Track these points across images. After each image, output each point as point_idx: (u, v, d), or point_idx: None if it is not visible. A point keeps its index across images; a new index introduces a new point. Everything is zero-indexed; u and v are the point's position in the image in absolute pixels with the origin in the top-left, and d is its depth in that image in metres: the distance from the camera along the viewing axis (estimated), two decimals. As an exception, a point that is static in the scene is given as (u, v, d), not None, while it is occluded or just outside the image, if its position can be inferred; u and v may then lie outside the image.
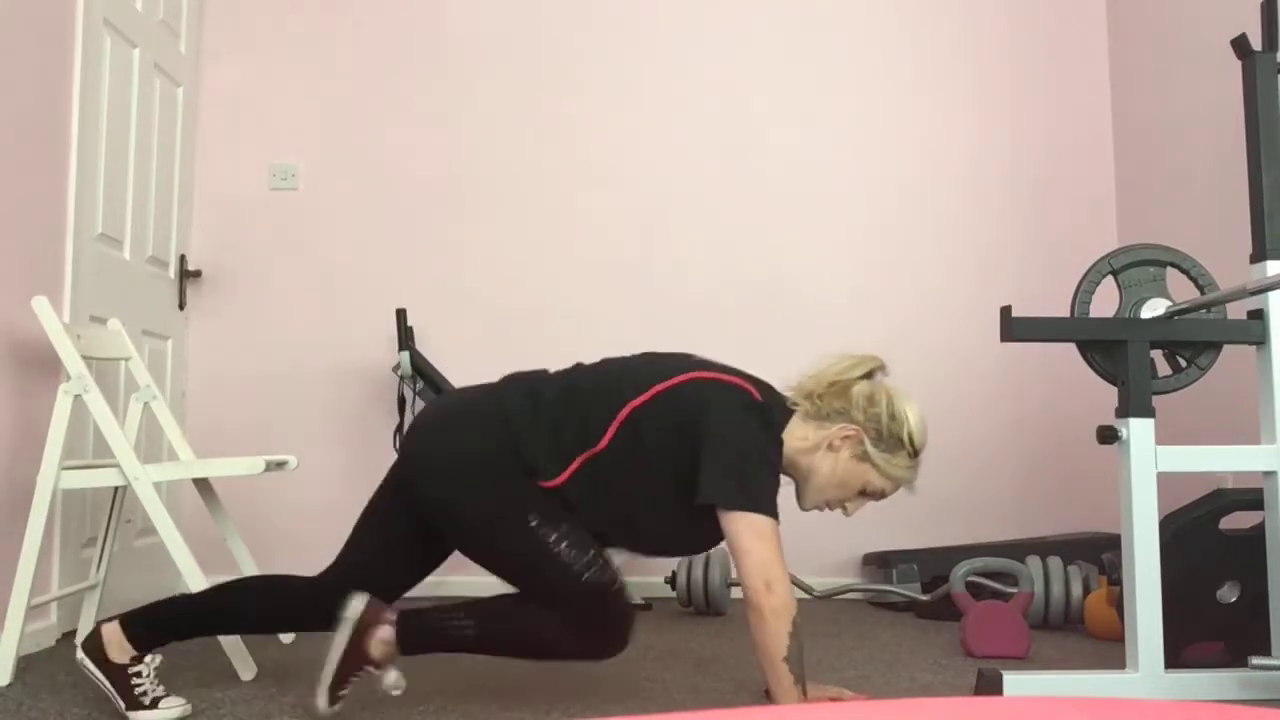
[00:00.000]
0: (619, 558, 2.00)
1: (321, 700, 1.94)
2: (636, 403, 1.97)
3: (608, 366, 2.10)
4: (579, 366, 2.13)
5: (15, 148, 2.65)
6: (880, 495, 2.06)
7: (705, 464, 1.93)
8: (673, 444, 1.96)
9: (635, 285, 3.86)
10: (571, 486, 1.96)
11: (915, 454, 2.02)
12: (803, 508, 2.12)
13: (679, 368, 2.04)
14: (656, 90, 3.98)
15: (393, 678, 1.97)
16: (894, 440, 2.00)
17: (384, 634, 1.94)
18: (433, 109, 3.94)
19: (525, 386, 2.05)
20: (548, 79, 3.96)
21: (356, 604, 1.94)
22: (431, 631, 1.98)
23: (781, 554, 1.92)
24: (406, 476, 2.05)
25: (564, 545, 1.91)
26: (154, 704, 1.97)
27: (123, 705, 1.97)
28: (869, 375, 2.06)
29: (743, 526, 1.90)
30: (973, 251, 3.97)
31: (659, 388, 1.99)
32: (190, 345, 3.79)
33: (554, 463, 1.96)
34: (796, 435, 2.03)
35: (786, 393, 2.09)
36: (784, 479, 2.06)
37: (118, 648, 1.99)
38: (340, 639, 1.93)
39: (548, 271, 3.87)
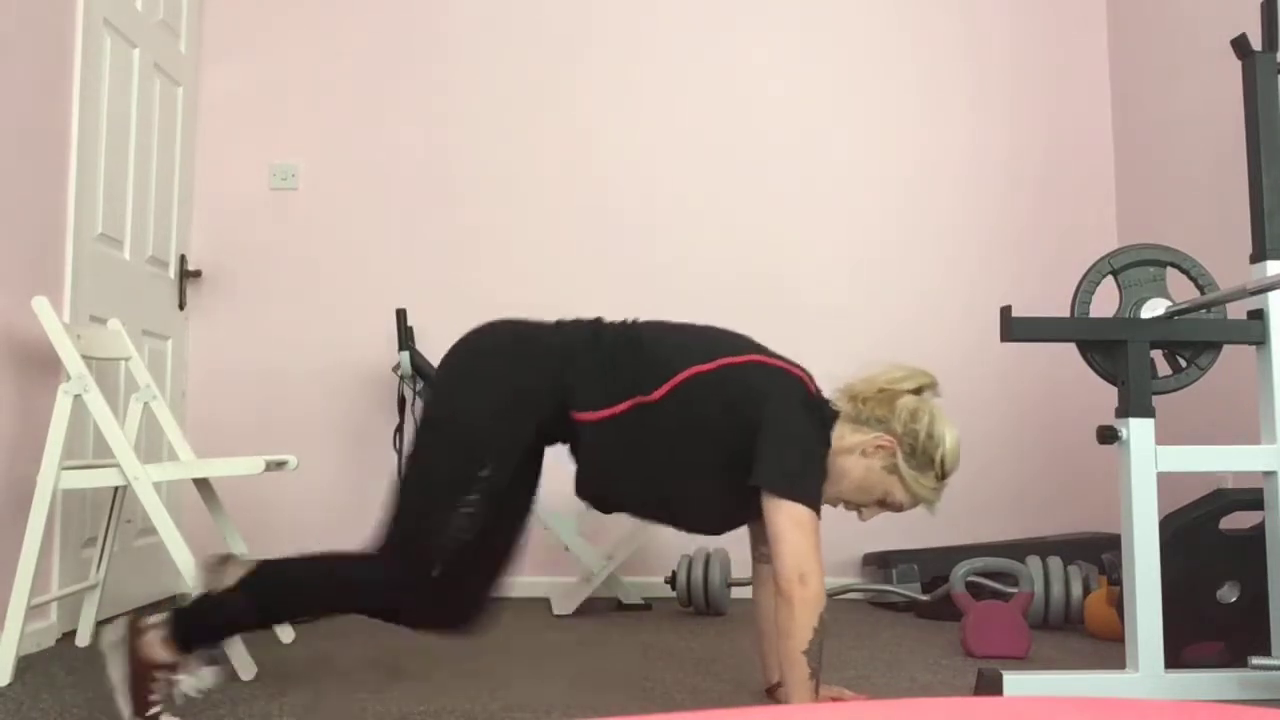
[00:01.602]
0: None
1: None
2: (701, 369, 1.97)
3: (671, 328, 2.09)
4: (638, 321, 2.10)
5: (15, 147, 2.65)
6: (899, 508, 2.06)
7: (763, 448, 1.93)
8: (723, 419, 1.96)
9: (635, 284, 3.86)
10: (613, 426, 1.94)
11: (943, 476, 2.02)
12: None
13: (747, 347, 2.05)
14: (657, 90, 3.98)
15: (192, 681, 1.89)
16: (926, 459, 2.00)
17: (152, 639, 1.87)
18: (433, 109, 3.94)
19: (585, 327, 2.05)
20: (548, 78, 3.96)
21: (112, 629, 1.89)
22: (201, 615, 1.92)
23: (819, 547, 1.92)
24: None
25: (467, 511, 1.88)
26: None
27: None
28: (919, 390, 2.06)
29: (785, 516, 1.90)
30: (972, 251, 3.97)
31: (727, 360, 1.99)
32: (190, 345, 3.79)
33: (602, 395, 1.95)
34: (834, 435, 2.04)
35: (834, 393, 2.10)
36: None
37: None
38: (115, 666, 1.87)
39: (548, 271, 3.87)
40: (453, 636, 2.07)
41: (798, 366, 2.07)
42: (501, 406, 1.95)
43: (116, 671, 1.89)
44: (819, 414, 2.02)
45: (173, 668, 1.89)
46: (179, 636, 1.89)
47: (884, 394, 2.03)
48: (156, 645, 1.88)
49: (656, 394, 1.95)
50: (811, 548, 1.90)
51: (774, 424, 1.95)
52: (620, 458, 1.97)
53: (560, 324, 2.07)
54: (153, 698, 1.88)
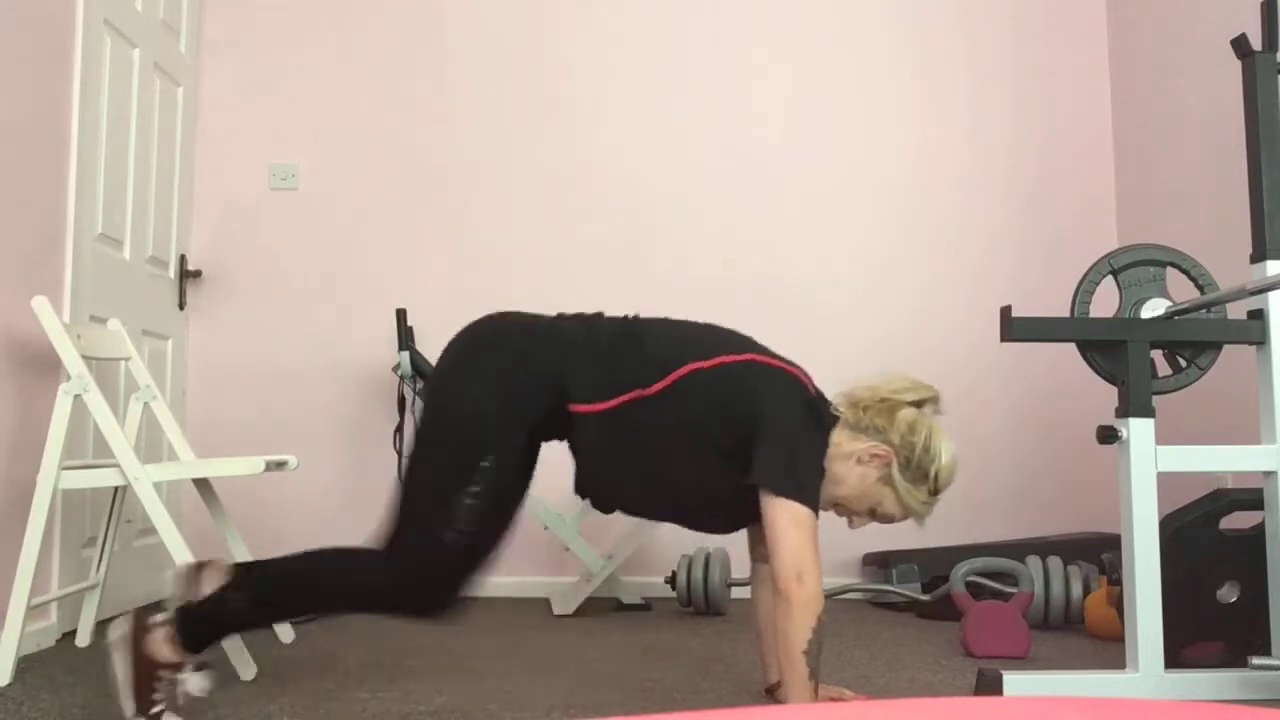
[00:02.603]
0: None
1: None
2: (700, 365, 1.97)
3: (671, 324, 2.09)
4: (638, 317, 2.10)
5: (15, 147, 2.65)
6: (889, 519, 2.07)
7: (760, 447, 1.93)
8: (721, 415, 1.96)
9: (636, 284, 3.85)
10: (611, 418, 1.94)
11: (936, 492, 2.02)
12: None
13: (746, 346, 2.05)
14: (657, 89, 3.98)
15: (196, 680, 1.89)
16: (920, 473, 2.00)
17: (158, 637, 1.87)
18: (433, 108, 3.94)
19: (584, 321, 2.05)
20: (548, 78, 3.96)
21: (117, 625, 1.89)
22: (209, 615, 1.91)
23: (817, 547, 1.91)
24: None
25: (470, 501, 1.87)
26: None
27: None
28: (920, 404, 2.05)
29: (783, 513, 1.90)
30: (972, 251, 3.97)
31: (726, 358, 1.99)
32: (190, 345, 3.79)
33: (601, 388, 1.94)
34: (831, 441, 2.04)
35: (836, 398, 2.10)
36: None
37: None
38: (117, 662, 1.87)
39: (548, 271, 3.87)
40: (428, 623, 2.02)
41: (796, 366, 2.07)
42: (501, 396, 1.94)
43: (120, 669, 1.88)
44: (818, 414, 2.02)
45: (177, 667, 1.88)
46: (184, 635, 1.88)
47: (885, 404, 2.03)
48: (161, 644, 1.87)
49: (655, 388, 1.95)
50: (810, 547, 1.90)
51: (772, 422, 1.95)
52: (619, 451, 1.97)
53: (560, 317, 2.07)
54: (156, 696, 1.87)
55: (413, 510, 1.92)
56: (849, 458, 2.02)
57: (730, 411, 1.96)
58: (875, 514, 2.06)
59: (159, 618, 1.89)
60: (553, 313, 2.11)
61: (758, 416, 1.95)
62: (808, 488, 1.94)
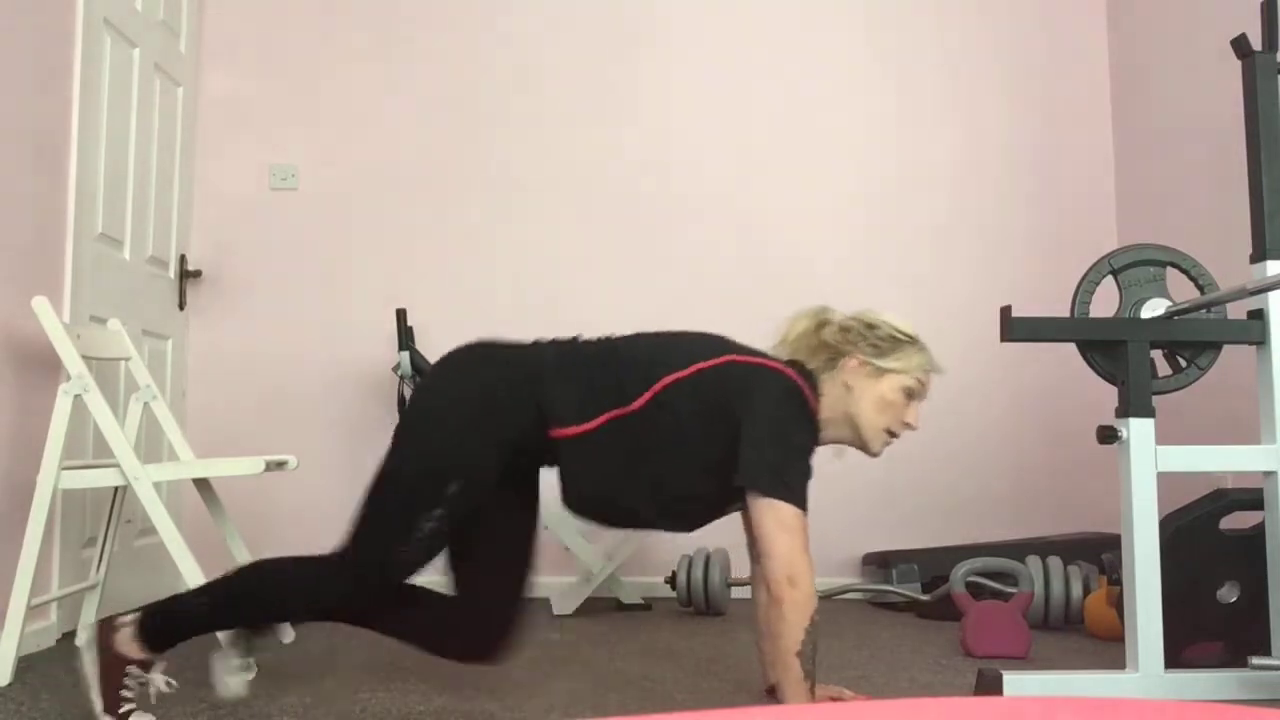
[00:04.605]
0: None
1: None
2: (677, 375, 1.97)
3: (646, 338, 2.10)
4: (612, 337, 2.12)
5: (15, 147, 2.65)
6: (922, 391, 2.09)
7: (745, 447, 1.93)
8: (705, 422, 1.96)
9: (635, 283, 3.86)
10: (594, 439, 1.95)
11: (914, 340, 2.09)
12: (874, 452, 2.11)
13: (722, 348, 2.05)
14: (656, 89, 3.98)
15: (162, 678, 1.92)
16: (890, 341, 2.06)
17: (124, 637, 1.89)
18: (433, 108, 3.94)
19: (560, 345, 2.06)
20: (549, 77, 3.96)
21: (88, 628, 1.92)
22: (170, 614, 1.93)
23: (807, 547, 1.91)
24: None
25: (430, 525, 1.88)
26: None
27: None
28: (821, 321, 2.11)
29: (771, 517, 1.90)
30: (972, 251, 3.97)
31: (702, 365, 1.99)
32: (190, 345, 3.79)
33: (580, 411, 1.95)
34: (829, 395, 2.06)
35: (785, 361, 2.11)
36: (836, 447, 2.12)
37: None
38: (88, 663, 1.89)
39: (548, 271, 3.87)
40: (482, 664, 2.04)
41: (778, 360, 2.07)
42: (472, 423, 1.94)
43: (89, 668, 1.90)
44: (802, 403, 2.01)
45: (144, 665, 1.90)
46: (147, 634, 1.91)
47: (804, 337, 2.10)
48: (127, 643, 1.90)
49: (634, 405, 1.95)
50: (800, 549, 1.90)
51: (754, 421, 1.95)
52: (603, 469, 1.97)
53: (536, 343, 2.08)
54: (124, 694, 1.89)
55: (372, 524, 1.93)
56: (844, 393, 2.06)
57: (713, 416, 1.96)
58: (909, 398, 2.07)
59: (126, 617, 1.92)
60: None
61: (740, 417, 1.95)
62: (796, 486, 1.93)
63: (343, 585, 1.93)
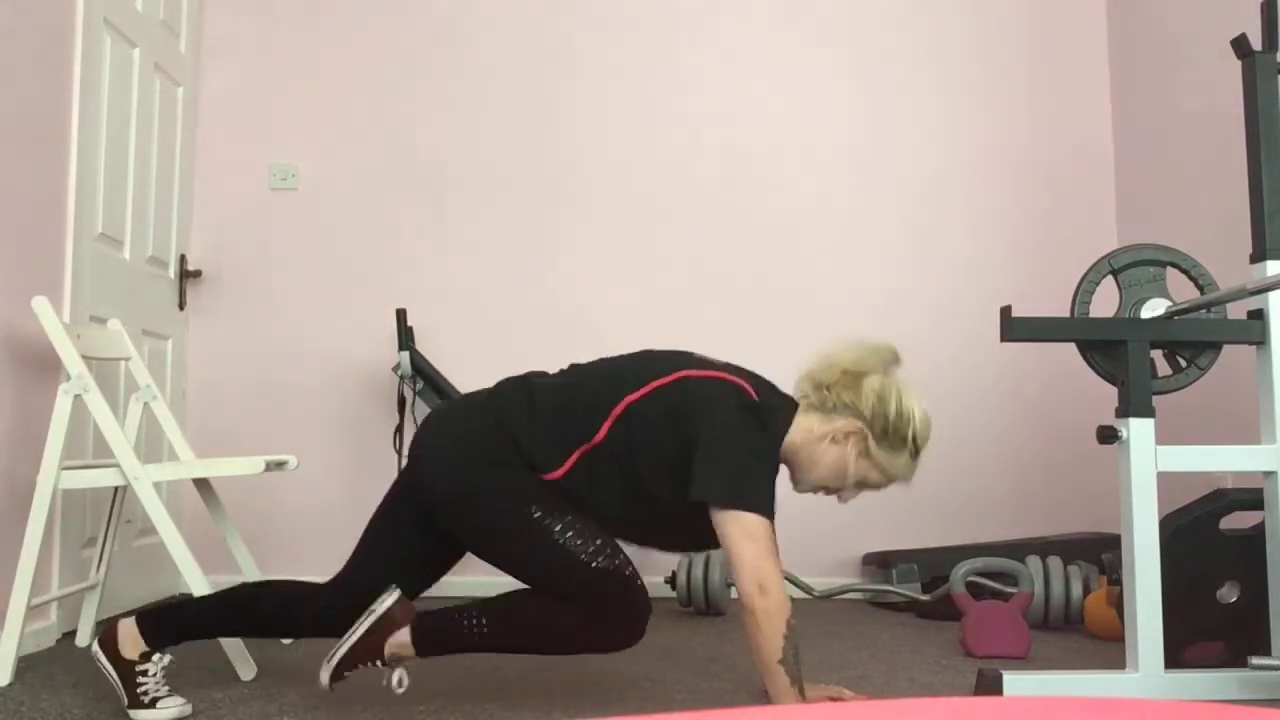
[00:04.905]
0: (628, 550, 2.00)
1: (325, 675, 1.98)
2: (633, 398, 1.97)
3: (605, 364, 2.11)
4: (575, 366, 2.13)
5: (15, 148, 2.65)
6: (877, 488, 2.07)
7: (698, 462, 1.92)
8: (667, 440, 1.96)
9: (636, 284, 3.86)
10: (570, 479, 1.96)
11: (917, 453, 2.02)
12: (798, 490, 2.11)
13: (677, 364, 2.03)
14: (659, 89, 3.98)
15: (397, 677, 1.98)
16: (899, 439, 1.99)
17: (402, 636, 1.96)
18: (433, 108, 3.94)
19: (523, 387, 2.05)
20: (549, 77, 3.96)
21: (388, 598, 1.96)
22: (447, 633, 1.97)
23: (775, 554, 1.91)
24: (414, 476, 2.07)
25: (569, 534, 1.91)
26: (153, 704, 1.98)
27: (125, 702, 1.99)
28: (881, 368, 2.04)
29: (734, 527, 1.89)
30: (972, 251, 3.97)
31: (657, 383, 1.99)
32: (190, 345, 3.79)
33: (553, 456, 1.96)
34: (801, 427, 2.02)
35: (798, 381, 2.09)
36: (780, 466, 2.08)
37: (130, 644, 2.01)
38: (361, 626, 1.95)
39: (548, 271, 3.87)
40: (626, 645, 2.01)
41: (739, 372, 2.05)
42: (493, 475, 1.98)
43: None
44: (758, 414, 1.98)
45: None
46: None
47: (848, 375, 2.02)
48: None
49: (600, 435, 1.96)
50: (766, 556, 1.88)
51: (708, 433, 1.93)
52: (592, 502, 1.98)
53: (497, 393, 2.07)
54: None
55: (554, 573, 1.93)
56: (823, 439, 2.00)
57: (673, 433, 1.95)
58: (862, 486, 2.06)
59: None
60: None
61: (696, 431, 1.93)
62: (754, 494, 1.91)
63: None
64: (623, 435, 1.96)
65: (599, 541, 1.92)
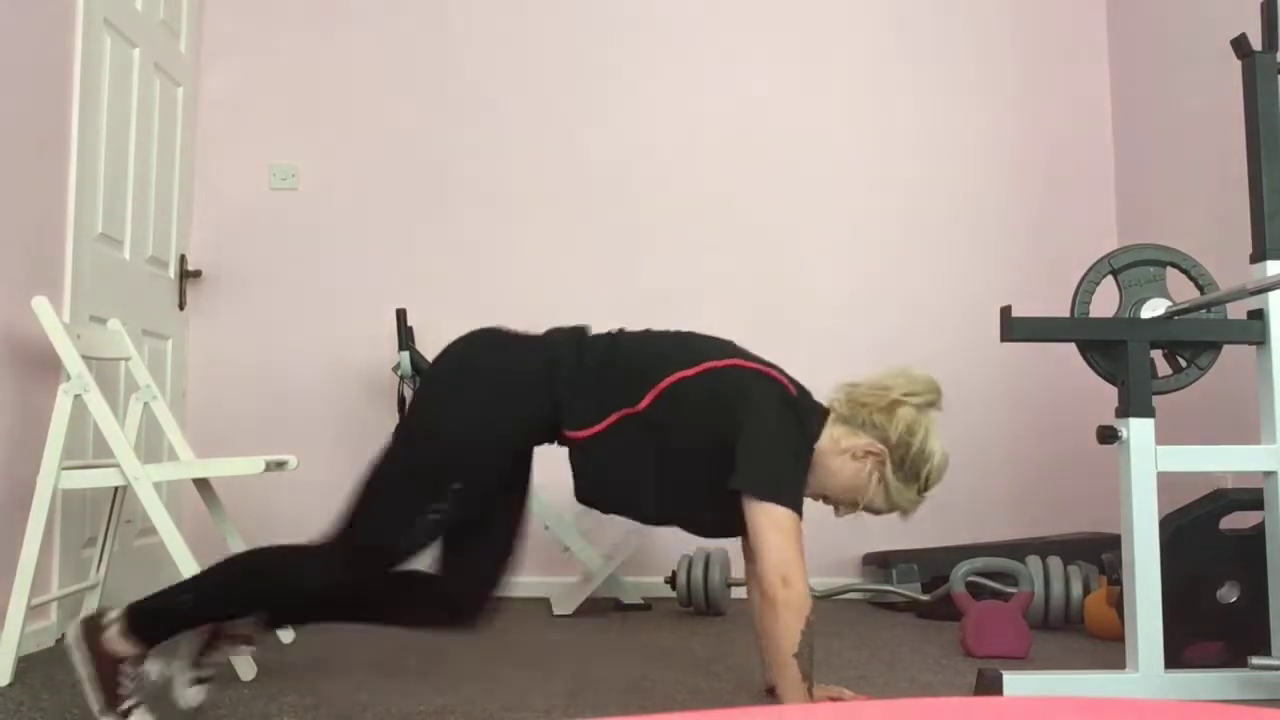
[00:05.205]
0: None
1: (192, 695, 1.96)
2: (683, 374, 1.97)
3: (653, 336, 2.10)
4: (622, 331, 2.11)
5: (15, 148, 2.65)
6: (876, 513, 2.09)
7: (741, 451, 1.93)
8: (706, 423, 1.96)
9: (636, 285, 3.86)
10: (601, 440, 1.95)
11: (924, 490, 2.04)
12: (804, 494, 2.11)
13: (728, 351, 2.05)
14: (660, 90, 3.98)
15: (156, 669, 1.94)
16: (913, 472, 2.01)
17: (114, 630, 1.90)
18: (433, 108, 3.94)
19: (574, 339, 2.05)
20: (550, 78, 3.96)
21: (70, 628, 1.92)
22: (157, 609, 1.93)
23: (802, 549, 1.91)
24: (432, 367, 2.06)
25: (434, 518, 1.89)
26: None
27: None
28: (922, 404, 2.04)
29: (765, 518, 1.90)
30: (972, 251, 3.97)
31: (709, 365, 1.99)
32: (190, 345, 3.79)
33: (591, 411, 1.95)
34: (829, 436, 2.04)
35: (834, 391, 2.09)
36: None
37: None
38: (79, 658, 1.89)
39: (548, 271, 3.87)
40: (452, 633, 2.08)
41: (775, 368, 2.07)
42: (484, 425, 1.94)
43: (83, 669, 1.90)
44: (798, 414, 2.01)
45: (136, 660, 1.91)
46: (137, 630, 1.91)
47: (886, 400, 2.03)
48: (117, 640, 1.90)
49: (642, 404, 1.96)
50: (794, 550, 1.89)
51: (752, 426, 1.94)
52: (615, 467, 1.98)
53: (546, 338, 2.05)
54: (122, 691, 1.89)
55: (372, 511, 1.93)
56: (844, 452, 2.02)
57: (716, 417, 1.96)
58: (862, 507, 2.06)
59: (112, 615, 1.92)
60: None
61: (739, 421, 1.95)
62: (788, 489, 1.93)
63: (330, 572, 1.93)
64: (664, 408, 1.96)
65: (424, 542, 1.92)
